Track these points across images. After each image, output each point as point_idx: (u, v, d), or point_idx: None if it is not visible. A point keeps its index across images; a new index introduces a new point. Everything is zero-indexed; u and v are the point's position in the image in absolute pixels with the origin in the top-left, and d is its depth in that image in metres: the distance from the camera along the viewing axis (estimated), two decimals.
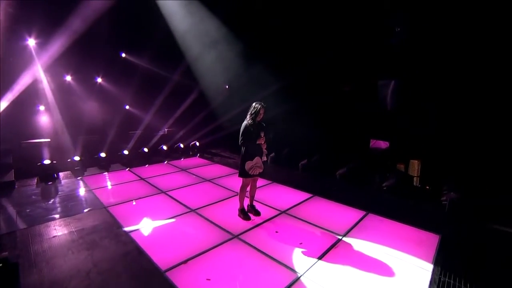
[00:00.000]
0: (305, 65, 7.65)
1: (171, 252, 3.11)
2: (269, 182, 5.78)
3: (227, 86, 9.85)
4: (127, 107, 8.95)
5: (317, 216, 4.16)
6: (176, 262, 2.91)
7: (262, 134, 3.59)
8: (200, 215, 4.08)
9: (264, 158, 3.80)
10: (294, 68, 7.97)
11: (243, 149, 3.68)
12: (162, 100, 9.19)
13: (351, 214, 4.28)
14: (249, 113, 3.63)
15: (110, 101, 8.33)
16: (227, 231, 3.61)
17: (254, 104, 3.63)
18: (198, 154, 8.52)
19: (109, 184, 5.50)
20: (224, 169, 6.78)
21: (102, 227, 3.63)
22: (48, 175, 5.51)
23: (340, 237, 3.52)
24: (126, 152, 7.54)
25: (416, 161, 5.99)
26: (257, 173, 3.73)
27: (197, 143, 9.03)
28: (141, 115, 9.04)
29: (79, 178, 5.84)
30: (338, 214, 4.27)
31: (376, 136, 7.19)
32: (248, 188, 4.00)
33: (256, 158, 3.66)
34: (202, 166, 7.10)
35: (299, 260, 3.01)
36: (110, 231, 3.50)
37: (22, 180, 5.50)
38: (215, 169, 6.75)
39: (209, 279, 2.65)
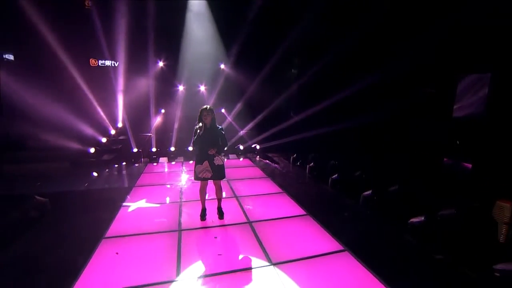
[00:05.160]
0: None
1: (126, 225, 3.84)
2: (280, 191, 5.39)
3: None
4: (223, 110, 10.64)
5: (280, 235, 3.63)
6: (119, 234, 3.59)
7: (214, 152, 3.67)
8: (179, 207, 4.56)
9: (218, 161, 3.77)
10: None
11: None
12: (245, 105, 10.36)
13: (324, 245, 3.38)
14: None
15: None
16: (179, 224, 3.91)
17: None
18: (257, 156, 8.96)
19: (157, 171, 7.02)
20: (255, 172, 6.87)
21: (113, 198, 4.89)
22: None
23: (264, 264, 2.96)
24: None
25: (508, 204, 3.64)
26: (208, 177, 3.77)
27: (258, 146, 9.48)
28: (227, 117, 10.51)
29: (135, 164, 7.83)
30: (306, 240, 3.50)
31: (452, 154, 4.94)
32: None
33: (205, 162, 3.73)
34: (240, 167, 7.52)
35: (196, 267, 2.88)
36: (113, 205, 4.61)
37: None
38: (247, 172, 6.97)
39: (117, 253, 3.13)
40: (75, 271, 2.77)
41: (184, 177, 6.37)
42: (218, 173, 3.85)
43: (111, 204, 4.61)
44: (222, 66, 10.31)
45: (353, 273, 2.86)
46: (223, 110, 10.37)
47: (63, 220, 4.02)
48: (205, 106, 3.72)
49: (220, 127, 3.86)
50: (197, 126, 3.71)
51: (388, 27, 6.34)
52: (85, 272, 2.78)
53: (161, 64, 9.64)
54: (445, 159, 4.97)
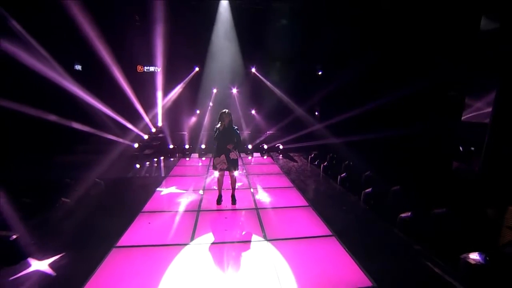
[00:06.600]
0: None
1: (158, 204, 4.82)
2: (291, 186, 5.95)
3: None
4: (253, 111, 11.49)
5: (279, 219, 4.27)
6: (152, 210, 4.56)
7: (231, 147, 4.44)
8: (201, 194, 5.42)
9: (233, 156, 4.51)
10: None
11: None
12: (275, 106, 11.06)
13: (314, 230, 3.91)
14: None
15: (238, 106, 11.20)
16: (199, 206, 4.75)
17: None
18: (280, 155, 9.57)
19: (188, 165, 8.07)
20: (274, 169, 7.49)
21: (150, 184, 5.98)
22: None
23: (260, 240, 3.61)
24: (250, 146, 9.98)
25: None
26: (224, 168, 4.53)
27: (281, 146, 10.06)
28: (256, 117, 11.32)
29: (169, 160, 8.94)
30: (301, 226, 4.07)
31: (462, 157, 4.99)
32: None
33: (222, 155, 4.49)
34: (261, 164, 8.20)
35: (205, 237, 3.66)
36: (150, 189, 5.69)
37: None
38: (267, 168, 7.62)
39: (149, 223, 4.07)
40: (120, 232, 3.75)
41: (210, 171, 7.28)
42: (233, 166, 4.59)
43: (148, 188, 5.67)
44: (253, 70, 11.12)
45: (333, 253, 3.35)
46: (253, 111, 11.22)
47: (112, 198, 5.17)
48: (224, 110, 4.48)
49: (235, 127, 4.59)
50: (217, 126, 4.48)
51: (416, 36, 6.42)
52: (126, 233, 3.75)
53: (197, 69, 10.83)
54: (454, 162, 5.04)
